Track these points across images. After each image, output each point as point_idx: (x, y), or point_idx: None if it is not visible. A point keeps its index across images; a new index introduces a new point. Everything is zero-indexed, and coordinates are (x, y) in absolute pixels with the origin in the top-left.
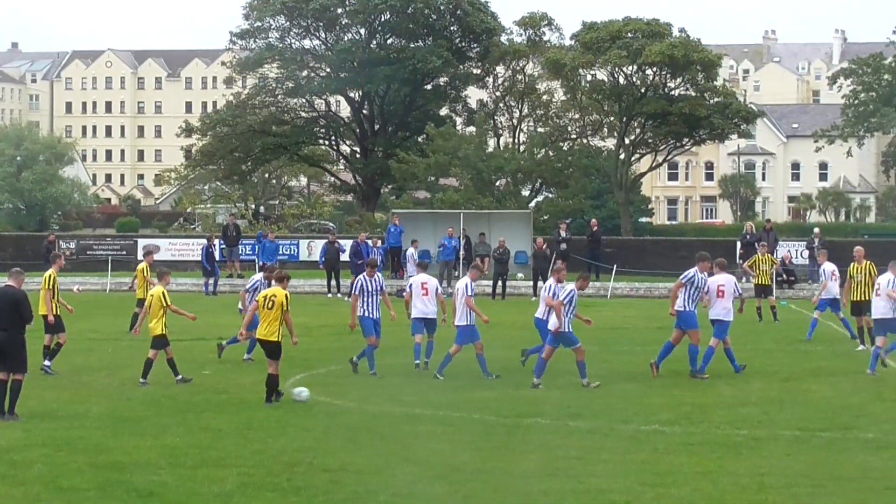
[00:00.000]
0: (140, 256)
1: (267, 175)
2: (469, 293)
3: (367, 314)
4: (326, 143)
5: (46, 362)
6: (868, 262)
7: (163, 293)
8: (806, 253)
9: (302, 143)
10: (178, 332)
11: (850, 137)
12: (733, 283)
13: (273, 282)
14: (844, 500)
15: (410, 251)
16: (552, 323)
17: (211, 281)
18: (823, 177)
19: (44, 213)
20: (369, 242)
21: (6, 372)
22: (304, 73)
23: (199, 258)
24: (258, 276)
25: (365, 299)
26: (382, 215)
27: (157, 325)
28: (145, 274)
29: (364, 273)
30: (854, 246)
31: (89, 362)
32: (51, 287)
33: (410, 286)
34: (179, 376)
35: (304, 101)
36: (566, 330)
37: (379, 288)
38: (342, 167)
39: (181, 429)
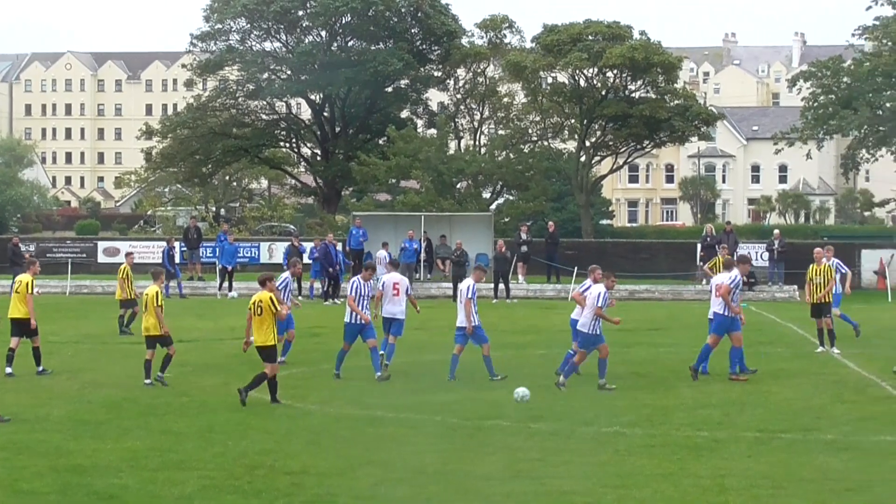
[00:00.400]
0: (100, 259)
1: (227, 177)
2: (469, 295)
3: (353, 320)
4: (287, 145)
5: (39, 368)
6: (827, 265)
7: (157, 293)
8: (766, 255)
9: (262, 146)
10: (138, 334)
11: (809, 140)
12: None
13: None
14: (805, 501)
15: (382, 253)
16: (582, 322)
17: (173, 283)
18: (783, 179)
19: (3, 216)
20: (337, 243)
21: None
22: (265, 75)
23: (160, 261)
24: (286, 273)
25: (359, 303)
26: (343, 217)
27: (156, 324)
28: (128, 276)
29: (360, 275)
30: (813, 248)
31: (49, 365)
32: (31, 291)
33: (382, 285)
34: (149, 380)
35: (264, 103)
36: (595, 332)
37: (369, 292)
38: (303, 169)
39: (142, 432)
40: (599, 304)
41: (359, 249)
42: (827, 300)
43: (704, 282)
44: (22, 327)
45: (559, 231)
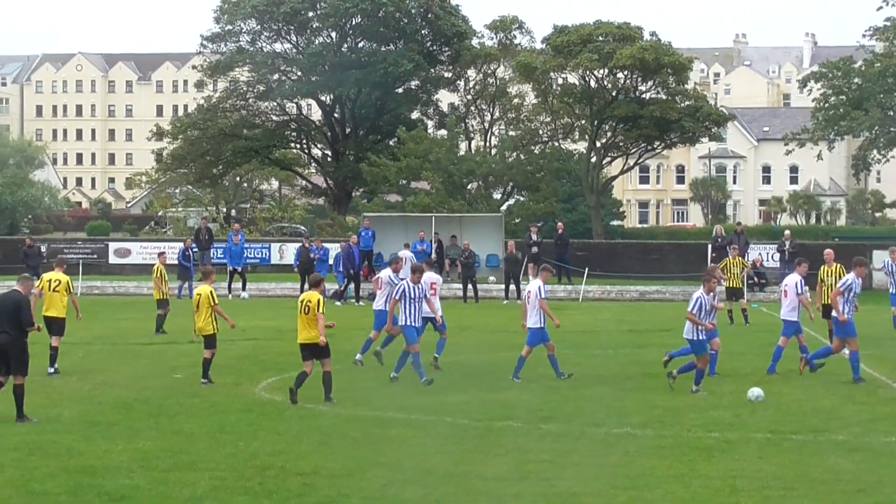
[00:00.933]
0: (111, 260)
1: (238, 178)
2: (542, 295)
3: (409, 322)
4: (297, 146)
5: (51, 369)
6: (838, 265)
7: (210, 292)
8: (777, 256)
9: (273, 147)
10: (149, 335)
11: (820, 141)
12: (794, 284)
13: (308, 286)
14: (816, 502)
15: (406, 253)
16: (687, 330)
17: (185, 285)
18: (794, 180)
19: (14, 217)
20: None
21: (5, 375)
22: (275, 76)
23: (175, 261)
24: (387, 270)
25: (407, 306)
26: (354, 218)
27: (208, 324)
28: (162, 275)
29: (409, 278)
30: (824, 249)
31: (61, 366)
32: (72, 290)
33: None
34: (205, 379)
35: (275, 104)
36: (698, 338)
37: (423, 295)
38: (313, 171)
39: (153, 432)
40: (689, 309)
41: (368, 250)
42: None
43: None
44: (54, 325)
45: (569, 232)
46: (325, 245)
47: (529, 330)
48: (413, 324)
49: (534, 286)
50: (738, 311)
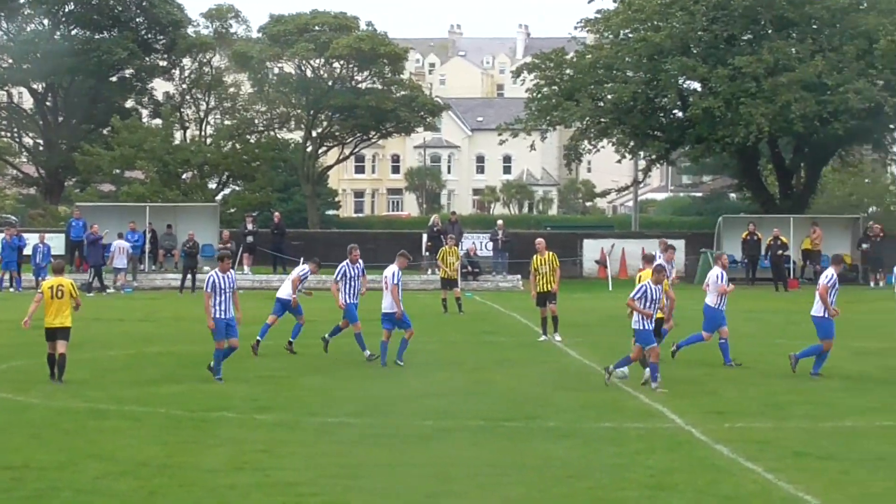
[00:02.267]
0: None
1: None
2: (395, 281)
3: (219, 314)
4: (8, 135)
5: None
6: (550, 254)
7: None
8: (490, 245)
9: None
10: None
11: (533, 131)
12: (715, 277)
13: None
14: (527, 487)
15: (120, 243)
16: (635, 320)
17: None
18: (507, 170)
19: None
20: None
21: None
22: None
23: None
24: (306, 266)
25: (217, 298)
26: (67, 208)
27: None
28: None
29: (216, 269)
30: (536, 238)
31: None
32: None
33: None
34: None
35: None
36: (643, 327)
37: (231, 285)
38: (25, 160)
39: None
40: (632, 296)
41: (79, 241)
42: (550, 289)
43: (430, 272)
44: None
45: (285, 221)
46: (24, 235)
47: (383, 314)
48: (222, 317)
49: (389, 272)
50: (452, 299)
